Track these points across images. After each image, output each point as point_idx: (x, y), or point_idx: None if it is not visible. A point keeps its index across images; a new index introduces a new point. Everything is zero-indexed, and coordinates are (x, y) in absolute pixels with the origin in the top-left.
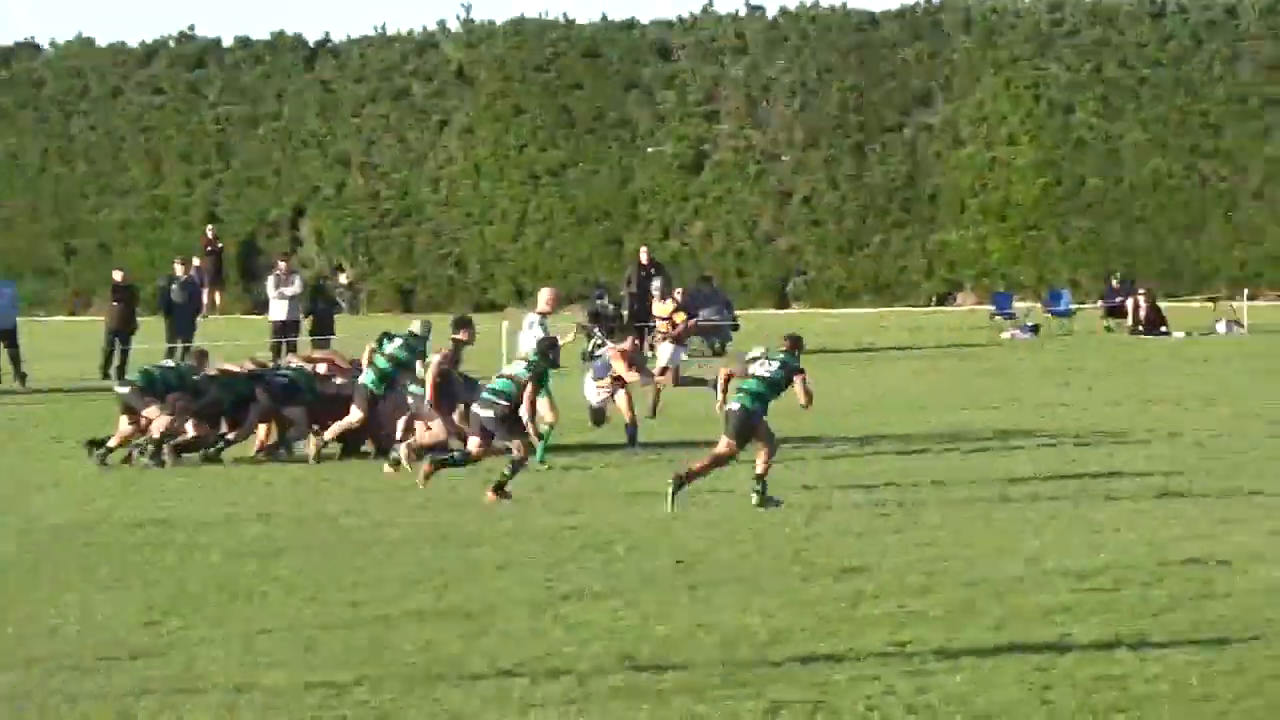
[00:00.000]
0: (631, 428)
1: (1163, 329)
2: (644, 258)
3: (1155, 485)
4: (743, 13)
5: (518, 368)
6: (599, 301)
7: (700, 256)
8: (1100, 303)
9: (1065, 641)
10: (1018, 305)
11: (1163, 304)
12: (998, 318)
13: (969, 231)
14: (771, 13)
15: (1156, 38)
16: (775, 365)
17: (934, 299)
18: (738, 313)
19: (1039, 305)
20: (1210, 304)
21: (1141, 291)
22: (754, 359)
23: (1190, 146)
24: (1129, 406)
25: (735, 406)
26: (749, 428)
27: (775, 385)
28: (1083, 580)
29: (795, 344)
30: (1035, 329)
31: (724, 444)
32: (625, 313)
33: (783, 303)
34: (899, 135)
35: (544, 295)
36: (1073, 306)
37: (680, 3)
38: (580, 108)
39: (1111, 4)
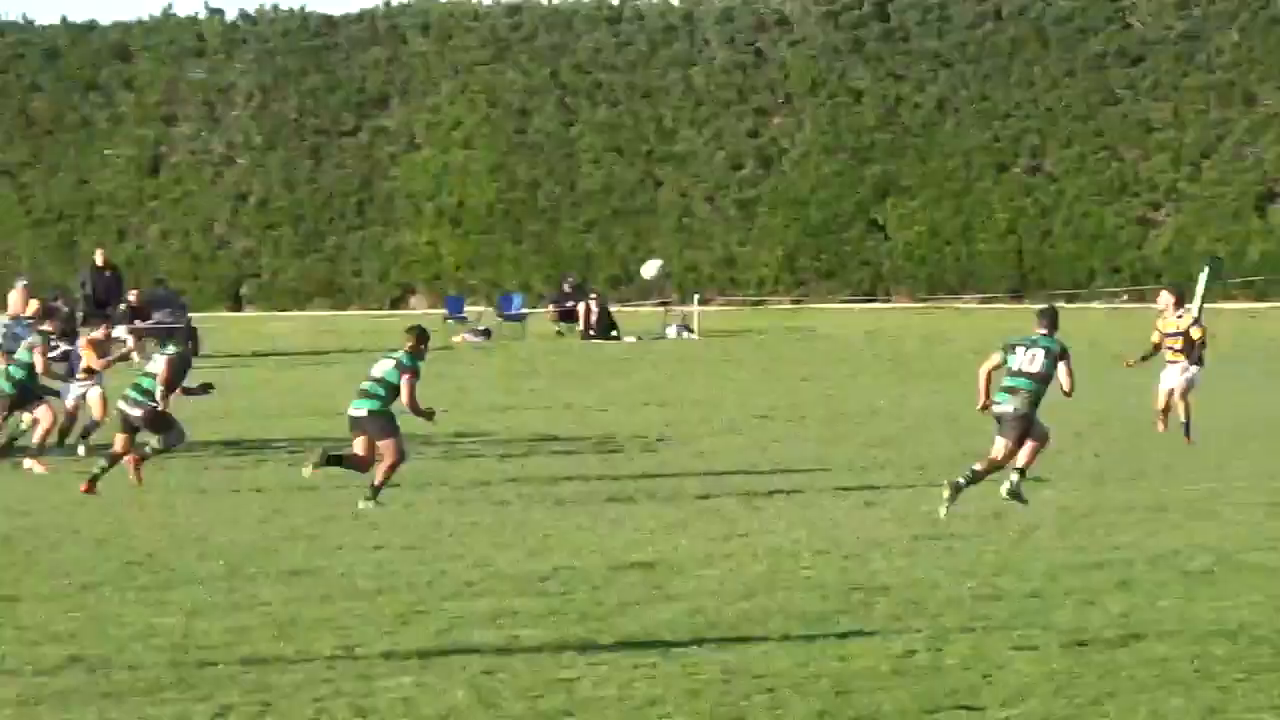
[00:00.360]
0: (91, 424)
1: (613, 333)
2: (99, 259)
3: (605, 489)
4: (203, 15)
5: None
6: (55, 303)
7: (156, 259)
8: (551, 307)
9: (513, 645)
10: (470, 309)
11: (614, 308)
12: (450, 321)
13: (423, 235)
14: (231, 16)
15: (613, 43)
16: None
17: (389, 302)
18: (192, 315)
19: (491, 309)
20: (662, 309)
21: (593, 296)
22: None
23: (646, 152)
24: (578, 409)
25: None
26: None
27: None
28: (532, 584)
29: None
30: (487, 333)
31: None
32: (81, 314)
33: (237, 305)
34: (355, 139)
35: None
36: (525, 310)
37: (142, 5)
38: (39, 109)
39: (569, 9)
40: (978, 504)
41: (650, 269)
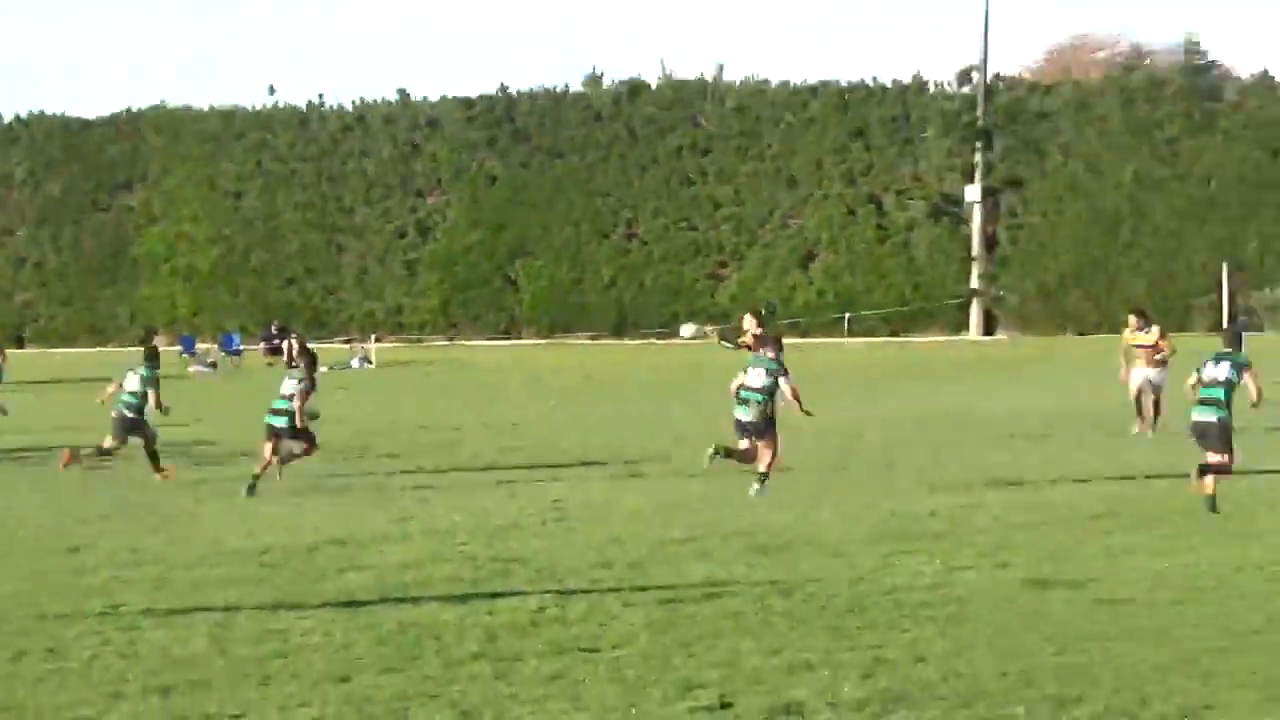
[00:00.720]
0: None
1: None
2: None
3: (306, 484)
4: None
5: None
6: None
7: None
8: (262, 344)
9: (239, 604)
10: (200, 346)
11: (312, 344)
12: (185, 355)
13: (161, 289)
14: (8, 118)
15: (304, 139)
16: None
17: (138, 340)
18: None
19: (216, 345)
20: (348, 344)
21: (294, 335)
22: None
23: (331, 224)
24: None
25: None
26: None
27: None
28: (253, 557)
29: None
30: (214, 365)
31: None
32: None
33: (20, 344)
34: (107, 214)
35: None
36: (242, 347)
37: None
38: None
39: (268, 113)
40: (598, 491)
41: (687, 330)
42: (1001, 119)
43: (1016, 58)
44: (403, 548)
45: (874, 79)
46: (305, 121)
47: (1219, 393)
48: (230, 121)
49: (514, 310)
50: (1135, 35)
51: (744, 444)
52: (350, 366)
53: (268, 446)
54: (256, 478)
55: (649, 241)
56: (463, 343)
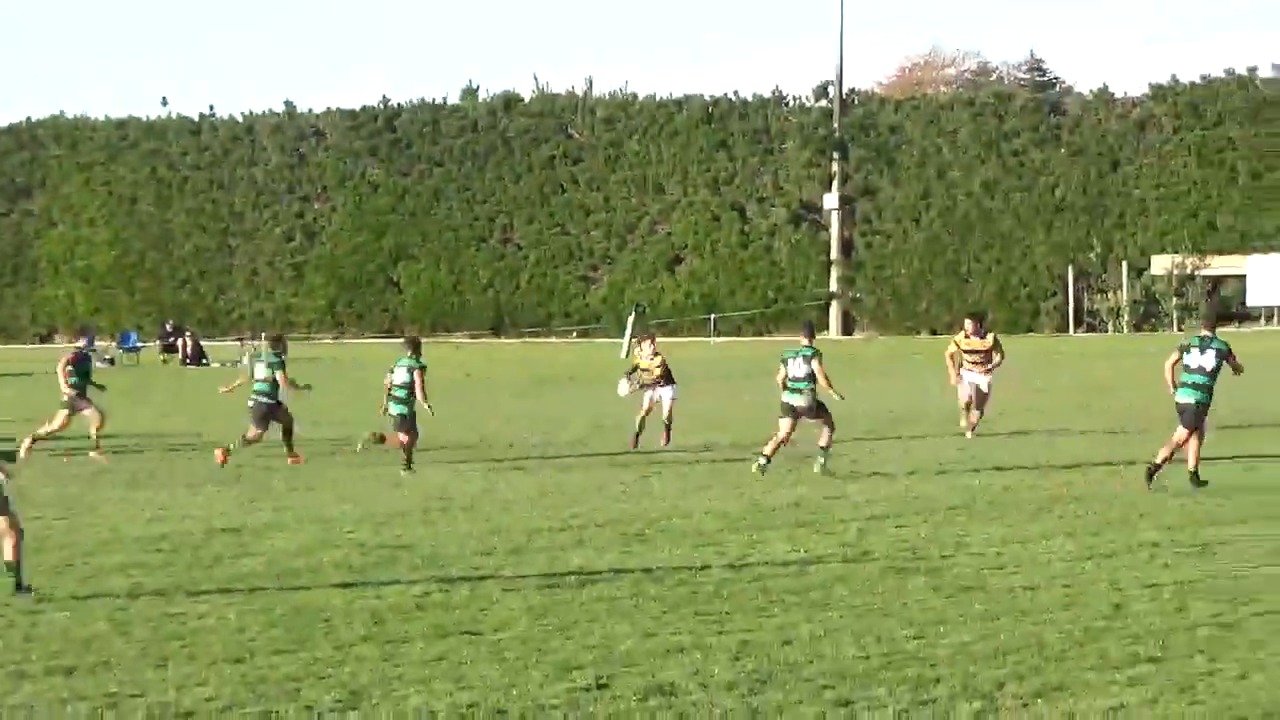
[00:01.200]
0: None
1: (204, 360)
2: None
3: (203, 476)
4: None
5: None
6: None
7: None
8: (158, 342)
9: (139, 589)
10: (99, 343)
11: (205, 342)
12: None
13: (61, 289)
14: None
15: (196, 147)
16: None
17: (39, 338)
18: None
19: (114, 343)
20: (239, 342)
21: (188, 333)
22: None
23: (223, 229)
24: (187, 417)
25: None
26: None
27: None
28: (152, 543)
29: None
30: (112, 361)
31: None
32: None
33: None
34: (9, 219)
35: None
36: (140, 344)
37: None
38: None
39: (162, 124)
40: (479, 482)
41: (623, 388)
42: (856, 131)
43: (870, 73)
44: (293, 535)
45: (736, 93)
46: (197, 131)
47: (1205, 379)
48: (125, 131)
49: (397, 310)
50: (983, 53)
51: (784, 429)
52: (242, 362)
53: (400, 435)
54: (409, 463)
55: (524, 246)
56: (348, 341)
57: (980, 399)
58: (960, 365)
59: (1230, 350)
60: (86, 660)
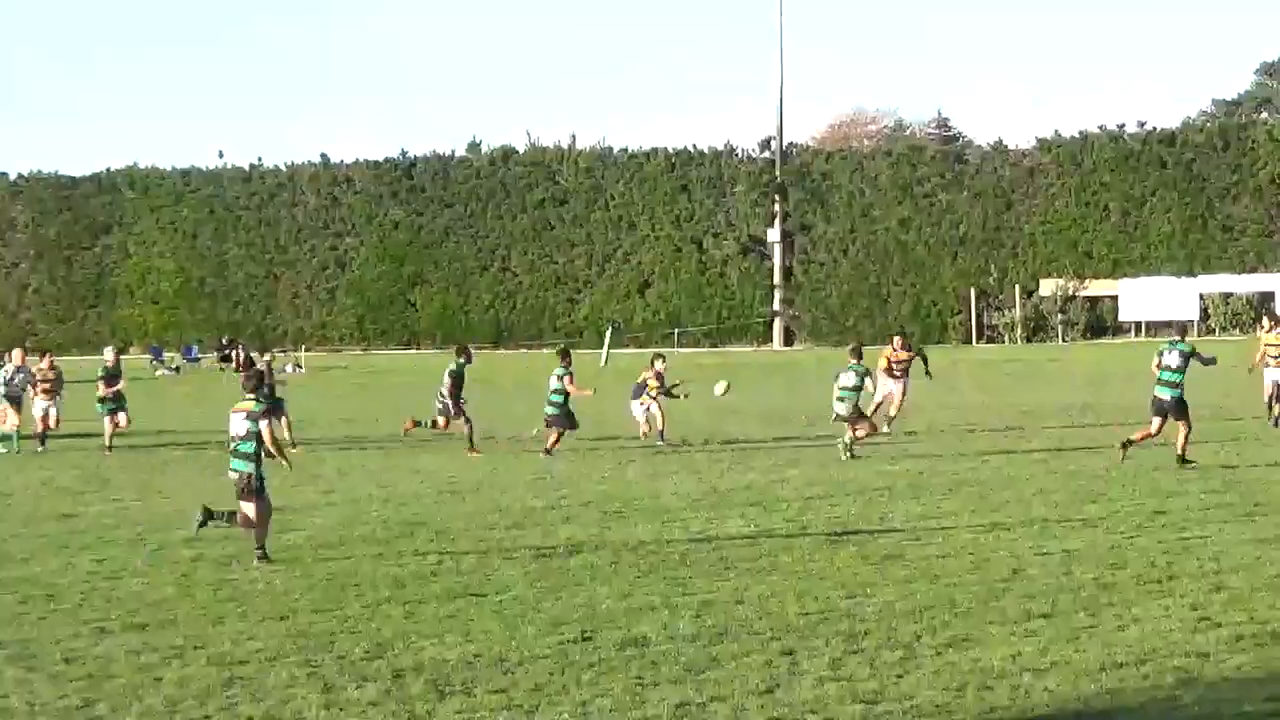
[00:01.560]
0: None
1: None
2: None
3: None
4: None
5: None
6: None
7: None
8: (215, 353)
9: (200, 558)
10: (166, 355)
11: (252, 354)
12: (154, 362)
13: (136, 310)
14: (13, 176)
15: (246, 192)
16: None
17: (117, 351)
18: None
19: (179, 354)
20: (283, 353)
21: (240, 346)
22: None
23: (269, 259)
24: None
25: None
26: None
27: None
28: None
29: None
30: (178, 369)
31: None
32: None
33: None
34: (92, 251)
35: None
36: (199, 356)
37: None
38: None
39: (223, 172)
40: (483, 468)
41: (719, 388)
42: (795, 177)
43: (806, 129)
44: (329, 514)
45: (695, 146)
46: (248, 179)
47: (1175, 376)
48: (188, 178)
49: (414, 326)
50: (899, 112)
51: (846, 425)
52: (285, 370)
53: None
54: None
55: (519, 273)
56: (375, 353)
57: (898, 400)
58: (889, 371)
59: (1195, 350)
60: (157, 618)
